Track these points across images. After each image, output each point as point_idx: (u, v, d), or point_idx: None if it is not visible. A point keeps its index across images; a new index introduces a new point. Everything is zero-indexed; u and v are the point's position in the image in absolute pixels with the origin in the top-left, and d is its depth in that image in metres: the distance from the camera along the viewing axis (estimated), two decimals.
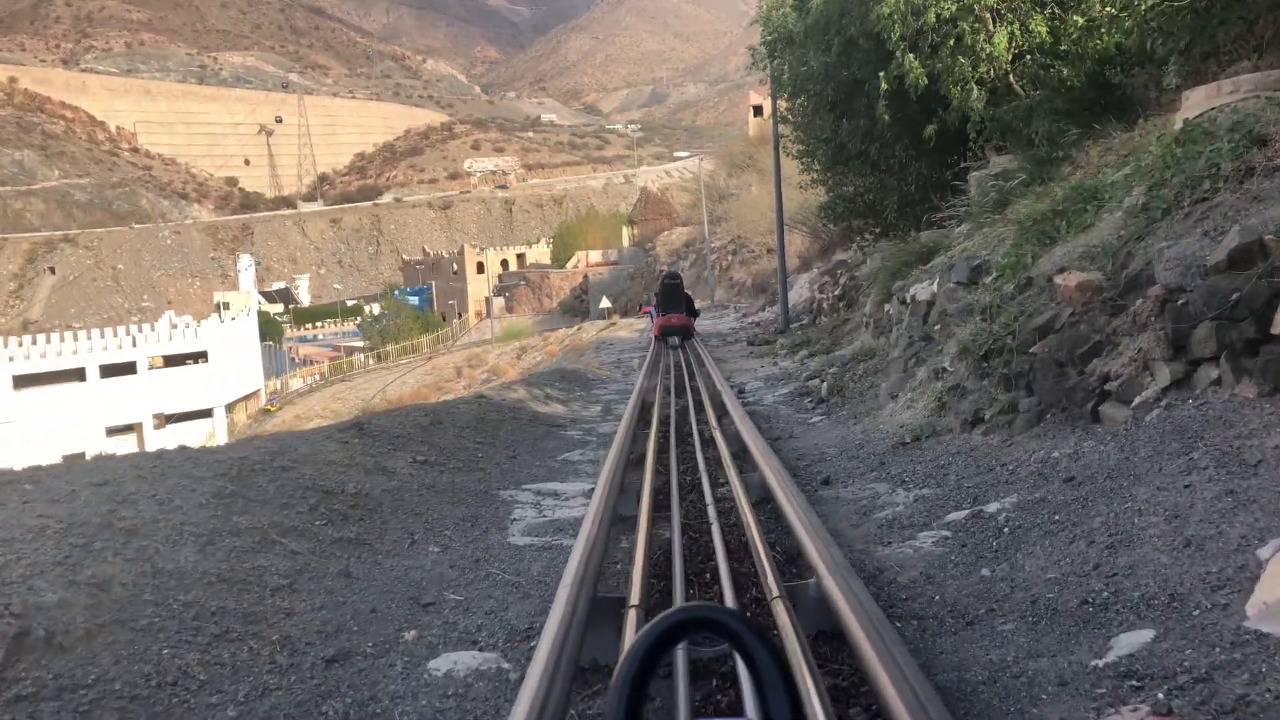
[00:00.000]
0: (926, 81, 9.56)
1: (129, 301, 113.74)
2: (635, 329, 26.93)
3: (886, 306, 9.00)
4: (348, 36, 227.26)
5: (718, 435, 5.73)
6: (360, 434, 4.86)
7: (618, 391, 10.10)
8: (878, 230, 15.35)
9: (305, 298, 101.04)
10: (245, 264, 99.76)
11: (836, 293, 15.31)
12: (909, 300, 7.81)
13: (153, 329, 45.23)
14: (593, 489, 4.32)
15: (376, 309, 79.35)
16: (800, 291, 24.57)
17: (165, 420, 43.55)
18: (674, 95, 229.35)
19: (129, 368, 42.69)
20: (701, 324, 23.67)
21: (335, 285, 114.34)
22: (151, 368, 43.84)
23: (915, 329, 7.25)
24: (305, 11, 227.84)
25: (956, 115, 10.09)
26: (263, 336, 66.84)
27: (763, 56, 16.26)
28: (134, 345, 43.33)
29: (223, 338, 46.11)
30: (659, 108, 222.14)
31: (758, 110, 59.74)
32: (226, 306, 66.53)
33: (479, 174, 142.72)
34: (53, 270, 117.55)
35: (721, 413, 7.09)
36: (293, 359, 63.29)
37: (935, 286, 7.24)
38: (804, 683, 1.88)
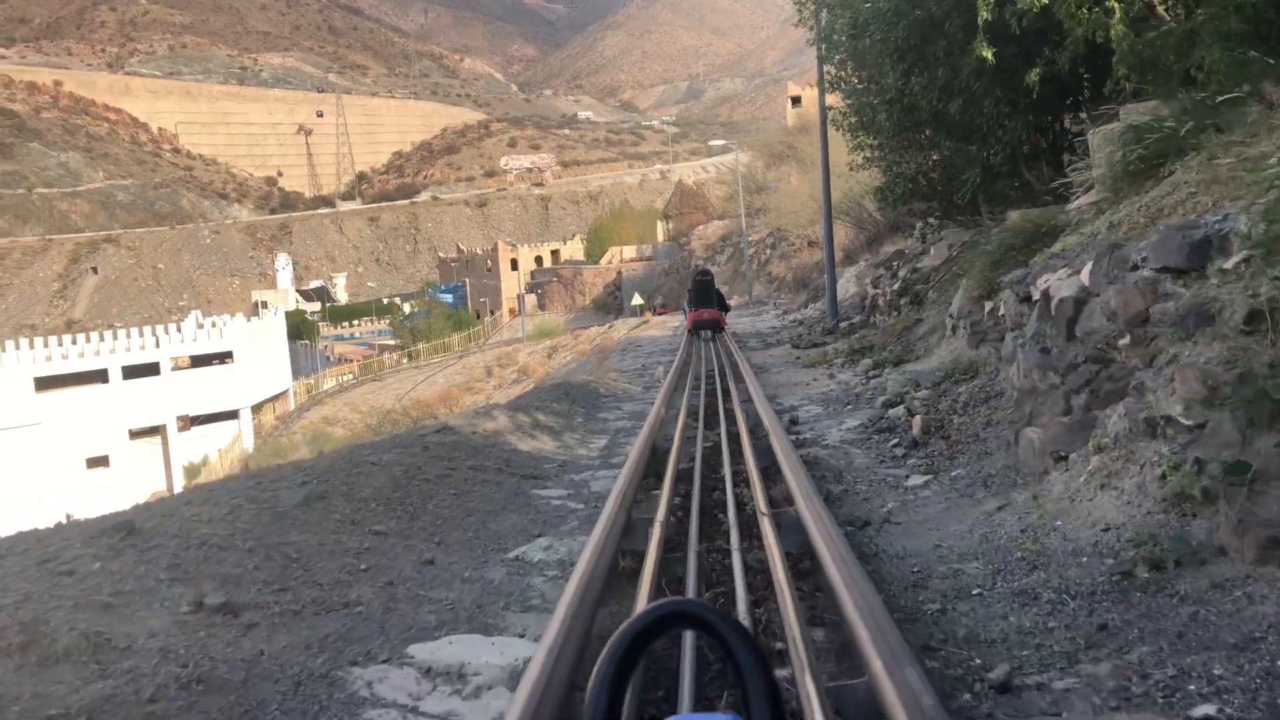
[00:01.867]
0: (1045, 2, 7.13)
1: (169, 300, 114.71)
2: (668, 327, 24.79)
3: (990, 305, 6.62)
4: (386, 36, 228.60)
5: (766, 526, 3.43)
6: (125, 543, 2.64)
7: (632, 414, 7.84)
8: (940, 214, 12.94)
9: (343, 296, 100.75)
10: (283, 263, 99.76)
11: (895, 287, 12.88)
12: (1038, 297, 5.42)
13: (178, 329, 44.21)
14: (531, 660, 2.08)
15: (408, 307, 78.38)
16: (846, 286, 22.18)
17: (190, 422, 42.43)
18: (710, 91, 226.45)
19: (152, 369, 41.64)
20: (740, 323, 21.46)
21: (370, 284, 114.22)
22: (176, 368, 42.73)
23: (1055, 341, 4.86)
24: (343, 12, 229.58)
25: (1071, 55, 7.63)
26: (299, 335, 66.21)
27: (810, 13, 13.86)
28: (157, 346, 42.26)
29: (249, 337, 44.87)
30: (695, 104, 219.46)
31: (795, 101, 57.34)
32: (265, 305, 65.89)
33: (515, 171, 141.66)
34: (95, 270, 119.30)
35: (768, 464, 4.78)
36: (328, 357, 62.37)
37: (1085, 277, 4.85)
38: None
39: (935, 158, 11.95)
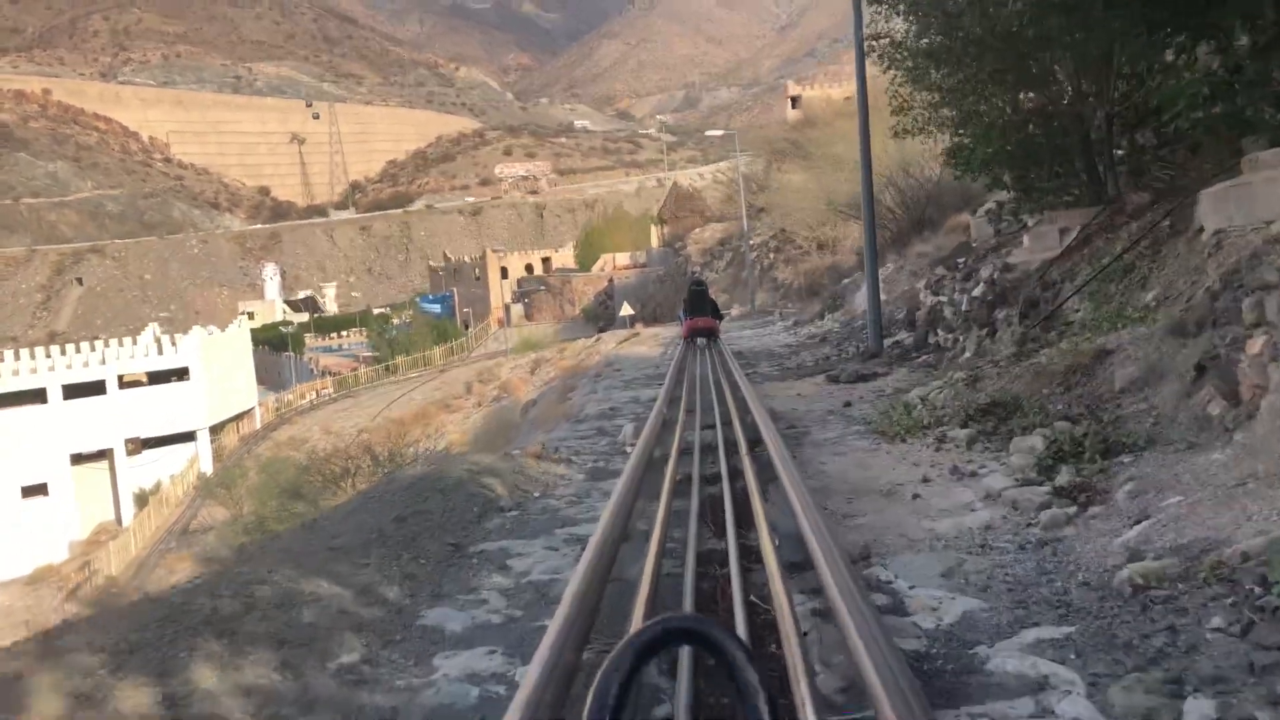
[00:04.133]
0: None
1: (155, 312, 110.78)
2: (659, 342, 20.99)
3: None
4: (381, 45, 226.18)
5: None
6: None
7: (517, 611, 3.43)
8: (1021, 188, 9.07)
9: (332, 306, 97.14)
10: (270, 273, 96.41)
11: (976, 293, 8.91)
12: None
13: (134, 343, 40.37)
14: None
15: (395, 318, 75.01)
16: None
17: (141, 445, 38.49)
18: (706, 99, 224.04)
19: (97, 387, 37.65)
20: (743, 338, 18.45)
21: (355, 294, 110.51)
22: (124, 386, 38.75)
23: None
24: (338, 21, 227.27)
25: None
26: (283, 347, 62.83)
27: None
28: (103, 362, 38.28)
29: (207, 352, 40.87)
30: (692, 112, 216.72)
31: (795, 101, 54.30)
32: (251, 316, 62.39)
33: (510, 179, 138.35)
34: (80, 281, 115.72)
35: None
36: (312, 370, 58.76)
37: None
38: None
39: (1039, 100, 8.05)
